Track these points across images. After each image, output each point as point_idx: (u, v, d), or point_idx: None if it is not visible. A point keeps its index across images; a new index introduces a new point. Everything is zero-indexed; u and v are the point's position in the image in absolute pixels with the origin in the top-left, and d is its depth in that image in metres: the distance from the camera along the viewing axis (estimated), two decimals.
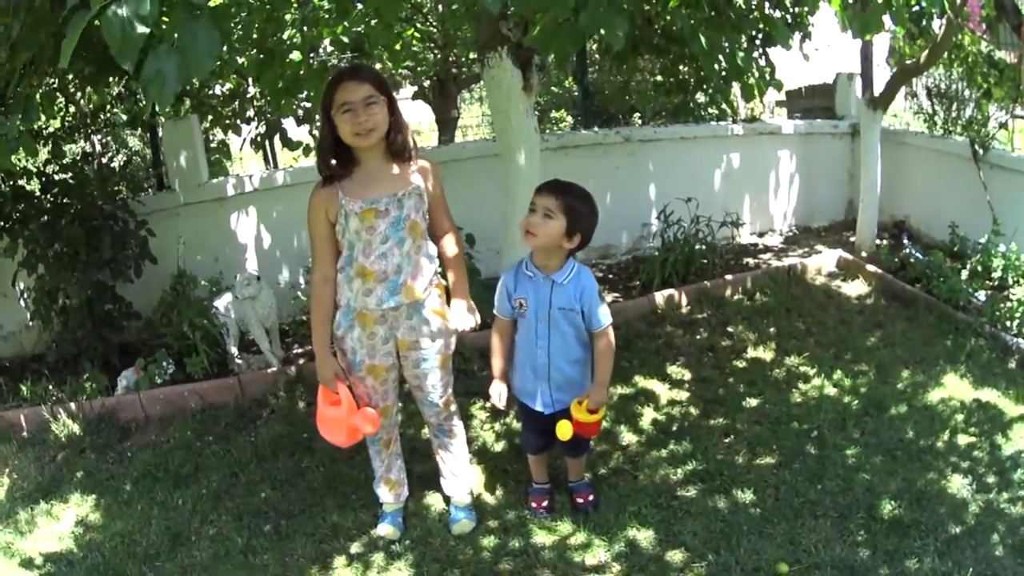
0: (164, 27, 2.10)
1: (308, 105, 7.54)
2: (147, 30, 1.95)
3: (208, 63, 2.10)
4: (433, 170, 3.40)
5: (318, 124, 7.98)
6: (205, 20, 2.13)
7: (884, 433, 4.17)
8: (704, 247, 6.70)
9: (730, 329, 5.69)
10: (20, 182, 5.73)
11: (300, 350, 5.91)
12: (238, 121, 7.90)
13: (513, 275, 3.48)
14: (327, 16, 5.99)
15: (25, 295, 5.84)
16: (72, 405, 5.03)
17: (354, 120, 3.09)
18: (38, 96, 4.72)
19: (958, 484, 3.69)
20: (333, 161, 3.24)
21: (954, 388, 4.60)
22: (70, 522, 4.08)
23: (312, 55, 6.46)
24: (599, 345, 3.44)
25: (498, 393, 3.56)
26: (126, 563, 3.67)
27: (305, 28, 6.00)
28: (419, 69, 9.57)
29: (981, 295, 5.66)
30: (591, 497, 3.74)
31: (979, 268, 6.03)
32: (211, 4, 2.07)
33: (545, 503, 3.73)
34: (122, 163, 6.89)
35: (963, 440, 4.08)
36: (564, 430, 3.37)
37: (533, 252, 3.43)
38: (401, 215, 3.22)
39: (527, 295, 3.40)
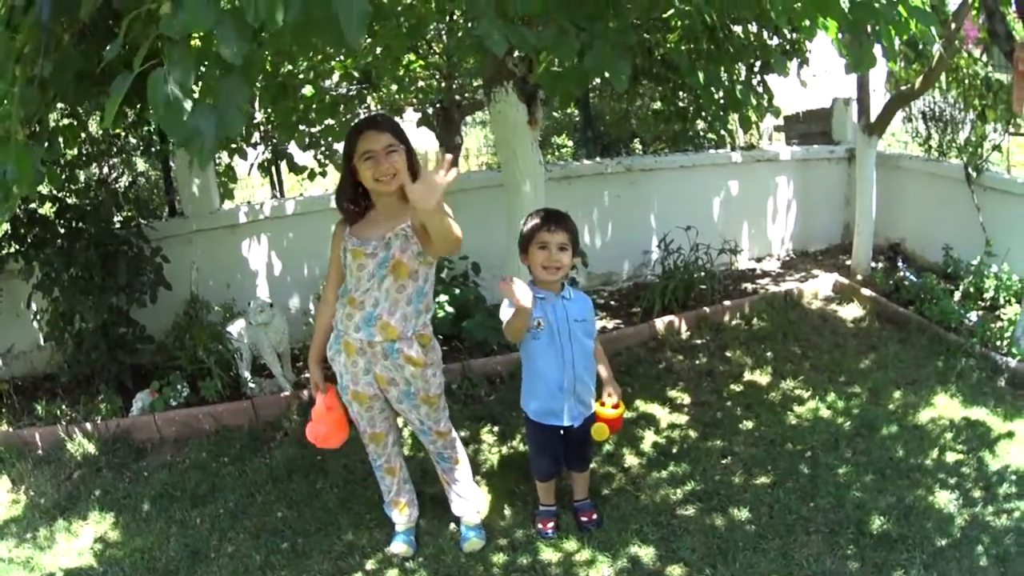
0: (199, 83, 2.26)
1: (315, 130, 7.67)
2: (189, 102, 2.12)
3: (239, 120, 2.26)
4: None
5: (323, 149, 8.19)
6: (236, 79, 2.29)
7: (875, 452, 4.29)
8: (703, 274, 6.79)
9: (728, 354, 5.80)
10: (34, 206, 5.82)
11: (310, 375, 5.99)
12: (244, 145, 8.01)
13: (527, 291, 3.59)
14: (336, 50, 6.11)
15: (38, 316, 5.94)
16: (87, 425, 5.13)
17: (376, 167, 3.30)
18: (60, 128, 4.88)
19: (945, 499, 3.81)
20: (350, 205, 3.48)
21: (944, 407, 4.72)
22: (89, 538, 4.18)
23: (322, 86, 6.59)
24: (598, 348, 3.76)
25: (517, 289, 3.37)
26: None
27: (313, 59, 6.13)
28: (423, 98, 9.68)
29: (973, 316, 5.75)
30: (595, 516, 3.88)
31: (971, 289, 6.14)
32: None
33: (551, 524, 3.86)
34: (127, 185, 6.97)
35: (951, 457, 4.20)
36: (601, 431, 3.61)
37: (535, 280, 3.62)
38: (387, 255, 3.38)
39: (543, 315, 3.56)
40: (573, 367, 3.59)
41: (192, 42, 2.30)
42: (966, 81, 7.13)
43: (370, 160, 3.30)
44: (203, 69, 2.34)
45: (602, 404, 3.65)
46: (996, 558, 3.39)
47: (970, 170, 6.73)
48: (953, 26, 6.01)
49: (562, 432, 3.72)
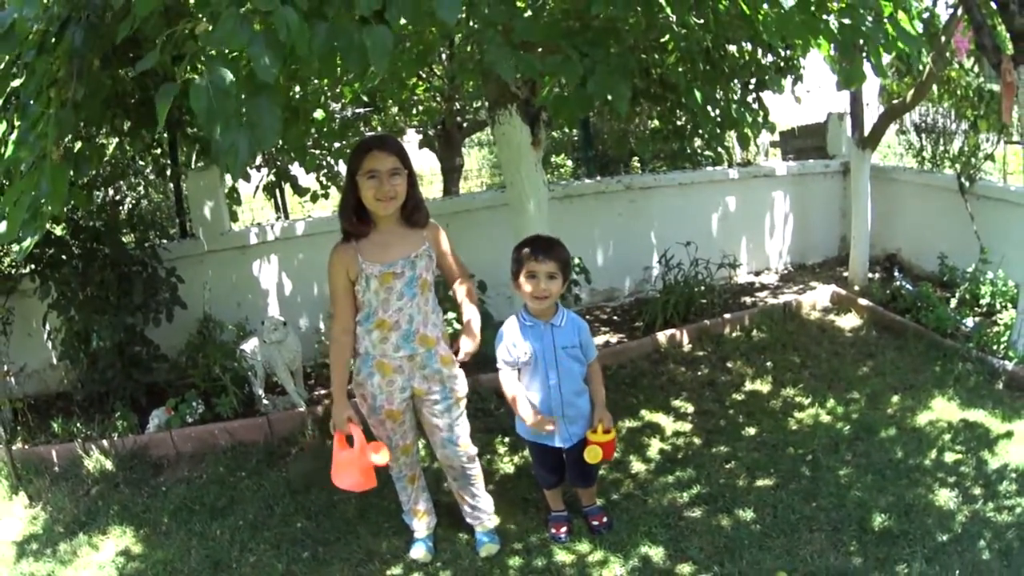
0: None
1: (318, 152, 7.78)
2: (231, 104, 2.26)
3: (274, 137, 2.40)
4: (439, 229, 3.71)
5: (326, 172, 8.30)
6: (268, 96, 2.44)
7: (875, 454, 4.40)
8: (703, 288, 6.89)
9: (729, 365, 5.92)
10: (49, 226, 5.84)
11: (323, 391, 6.10)
12: (248, 168, 8.11)
13: (515, 329, 3.76)
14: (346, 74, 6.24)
15: (52, 335, 6.02)
16: (104, 442, 5.20)
17: (378, 188, 3.38)
18: (85, 149, 5.00)
19: (945, 497, 3.92)
20: (355, 219, 3.52)
21: (942, 411, 4.82)
22: (111, 552, 4.24)
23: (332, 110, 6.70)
24: (594, 372, 3.81)
25: (541, 419, 3.67)
26: None
27: (322, 82, 6.23)
28: (425, 119, 9.81)
29: (969, 322, 5.86)
30: (605, 519, 3.99)
31: (967, 296, 6.25)
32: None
33: (564, 529, 3.97)
34: (142, 206, 7.05)
35: (950, 457, 4.30)
36: (594, 453, 3.66)
37: (527, 306, 3.75)
38: (414, 275, 3.52)
39: (532, 343, 3.69)
40: (560, 392, 3.70)
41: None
42: (959, 92, 7.20)
43: (373, 180, 3.38)
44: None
45: (593, 431, 3.71)
46: (999, 552, 3.48)
47: (963, 180, 6.82)
48: (943, 39, 6.10)
49: (560, 450, 3.82)
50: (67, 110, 3.05)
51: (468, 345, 3.58)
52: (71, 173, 3.43)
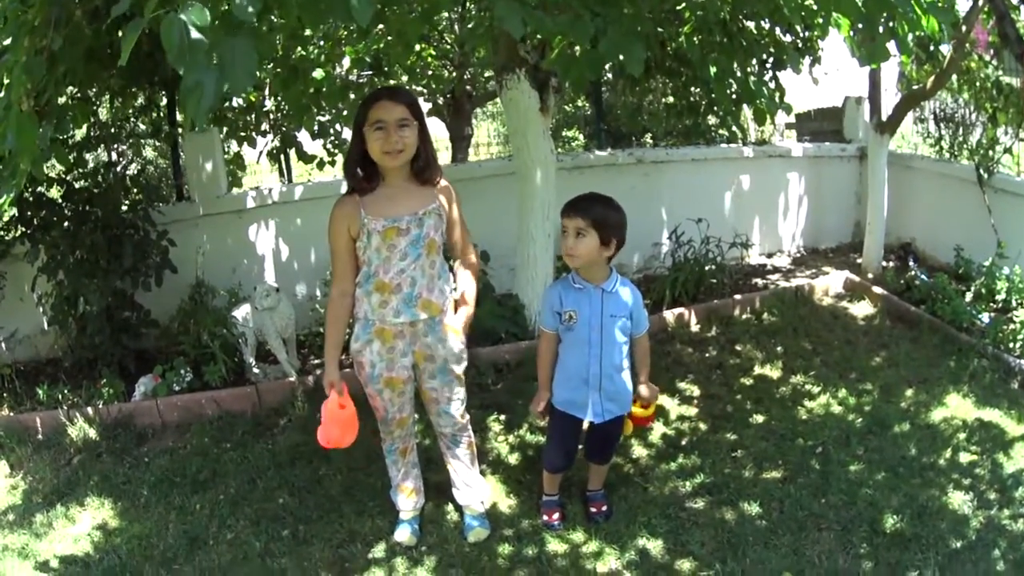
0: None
1: (324, 118, 7.64)
2: (203, 38, 2.07)
3: (247, 81, 2.21)
4: (452, 192, 3.50)
5: (332, 138, 8.16)
6: (245, 37, 2.24)
7: (887, 450, 4.24)
8: (714, 267, 6.78)
9: (738, 348, 5.77)
10: (41, 189, 5.79)
11: (316, 361, 5.99)
12: (254, 133, 8.00)
13: (560, 288, 3.54)
14: (348, 34, 6.09)
15: (42, 300, 5.90)
16: (89, 409, 5.10)
17: (385, 139, 3.16)
18: (69, 106, 4.85)
19: (959, 500, 3.75)
20: (359, 173, 3.31)
21: (956, 408, 4.66)
22: (87, 525, 4.13)
23: (333, 72, 6.57)
24: (642, 346, 3.64)
25: (542, 399, 3.64)
26: (143, 566, 3.73)
27: (324, 44, 6.10)
28: (435, 87, 9.66)
29: (985, 317, 5.69)
30: (604, 508, 3.83)
31: (983, 290, 6.09)
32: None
33: (556, 515, 3.81)
34: (137, 171, 6.95)
35: (965, 458, 4.14)
36: (625, 425, 3.62)
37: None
38: (421, 233, 3.29)
39: (578, 307, 3.47)
40: (600, 363, 3.49)
41: None
42: (977, 84, 7.08)
43: (380, 131, 3.17)
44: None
45: (634, 402, 3.62)
46: (1014, 564, 3.32)
47: (981, 172, 6.68)
48: (964, 28, 5.96)
49: (587, 425, 3.65)
50: (39, 59, 2.87)
51: (461, 314, 3.46)
52: (51, 129, 3.29)
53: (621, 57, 3.48)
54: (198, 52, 2.09)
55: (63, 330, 5.86)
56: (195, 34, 2.08)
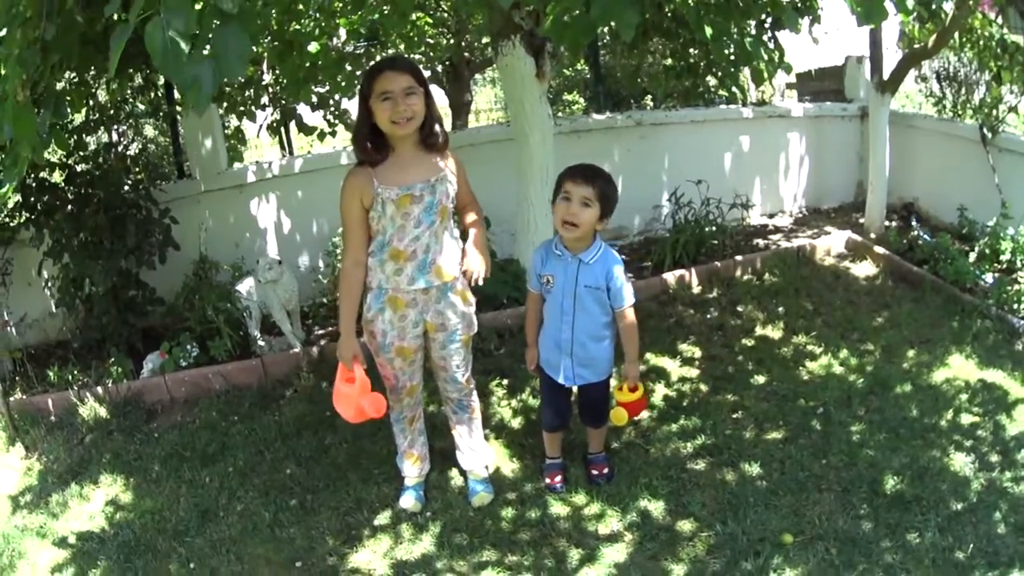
0: (197, 33, 2.22)
1: (323, 90, 7.63)
2: (188, 46, 2.08)
3: (240, 67, 2.21)
4: (462, 164, 3.55)
5: (332, 110, 8.15)
6: (235, 25, 2.24)
7: (888, 411, 4.25)
8: (714, 228, 6.75)
9: (739, 309, 5.76)
10: (43, 174, 5.83)
11: (321, 332, 6.02)
12: (253, 108, 7.99)
13: (543, 252, 3.59)
14: (343, 6, 6.05)
15: (49, 284, 5.94)
16: (99, 389, 5.16)
17: (393, 108, 3.19)
18: (67, 91, 4.84)
19: (961, 462, 3.75)
20: (369, 145, 3.32)
21: (959, 369, 4.64)
22: (100, 502, 4.19)
23: (329, 44, 6.54)
24: (622, 324, 3.55)
25: (531, 357, 3.78)
26: (156, 539, 3.79)
27: (320, 16, 6.06)
28: (433, 55, 9.62)
29: (988, 278, 5.67)
30: (606, 470, 3.87)
31: (987, 251, 6.04)
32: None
33: (559, 478, 3.85)
34: (138, 151, 6.96)
35: (967, 419, 4.13)
36: (619, 415, 3.55)
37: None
38: (434, 200, 3.33)
39: (555, 273, 3.50)
40: (572, 329, 3.52)
41: None
42: (981, 42, 7.00)
43: (388, 101, 3.19)
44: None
45: (619, 389, 3.59)
46: (1015, 527, 3.32)
47: (985, 131, 6.62)
48: None
49: (567, 390, 3.72)
50: (33, 50, 2.87)
51: (477, 264, 3.45)
52: (49, 115, 3.29)
53: (613, 23, 3.46)
54: (182, 56, 2.09)
55: (70, 312, 5.90)
56: (179, 41, 2.09)
